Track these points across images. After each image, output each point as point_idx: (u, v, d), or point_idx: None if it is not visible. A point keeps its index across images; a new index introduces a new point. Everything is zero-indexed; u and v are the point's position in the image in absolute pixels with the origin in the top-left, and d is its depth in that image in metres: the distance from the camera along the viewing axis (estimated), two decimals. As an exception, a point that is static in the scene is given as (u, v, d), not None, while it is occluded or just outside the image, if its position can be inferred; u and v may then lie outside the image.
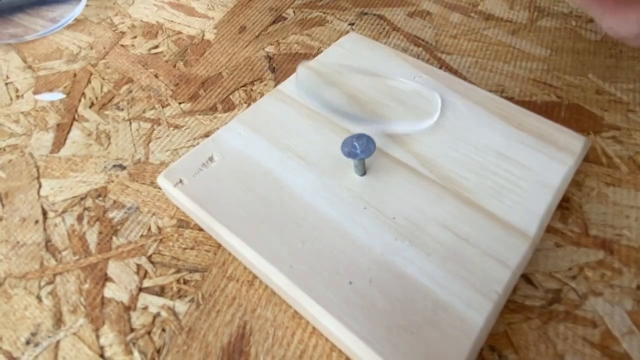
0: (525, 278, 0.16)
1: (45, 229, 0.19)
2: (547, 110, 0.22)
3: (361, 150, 0.16)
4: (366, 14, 0.29)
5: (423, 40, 0.27)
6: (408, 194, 0.17)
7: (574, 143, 0.18)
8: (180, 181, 0.17)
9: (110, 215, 0.19)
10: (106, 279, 0.17)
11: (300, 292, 0.14)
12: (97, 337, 0.16)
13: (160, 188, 0.20)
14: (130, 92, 0.24)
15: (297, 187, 0.17)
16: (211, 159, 0.18)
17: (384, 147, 0.18)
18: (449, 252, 0.15)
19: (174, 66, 0.26)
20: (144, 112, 0.23)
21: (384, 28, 0.28)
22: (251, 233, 0.16)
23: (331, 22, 0.28)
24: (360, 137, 0.17)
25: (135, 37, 0.28)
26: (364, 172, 0.17)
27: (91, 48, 0.27)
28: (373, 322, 0.13)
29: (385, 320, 0.13)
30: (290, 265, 0.15)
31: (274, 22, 0.29)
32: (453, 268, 0.14)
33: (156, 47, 0.27)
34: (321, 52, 0.26)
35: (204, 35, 0.28)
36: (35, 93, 0.25)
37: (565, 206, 0.18)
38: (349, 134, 0.19)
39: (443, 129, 0.19)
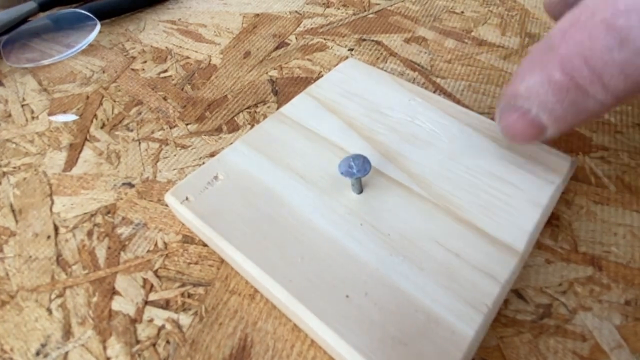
0: (517, 293, 0.17)
1: (56, 244, 0.20)
2: (537, 131, 0.23)
3: (357, 170, 0.17)
4: (365, 40, 0.30)
5: (419, 65, 0.28)
6: (402, 211, 0.17)
7: (561, 163, 0.19)
8: (187, 199, 0.18)
9: (119, 231, 0.20)
10: (114, 292, 0.18)
11: (299, 305, 0.15)
12: (104, 348, 0.16)
13: (167, 205, 0.21)
14: (140, 113, 0.26)
15: (297, 205, 0.18)
16: (216, 177, 0.19)
17: (380, 166, 0.19)
18: (441, 267, 0.16)
19: (182, 89, 0.27)
20: (152, 132, 0.24)
21: (381, 53, 0.29)
22: (253, 248, 0.17)
23: (331, 47, 0.30)
24: (356, 157, 0.18)
25: (145, 62, 0.30)
26: (360, 191, 0.18)
27: (103, 72, 0.29)
28: (368, 334, 0.14)
29: (379, 332, 0.14)
30: (290, 279, 0.16)
31: (277, 48, 0.30)
32: (445, 282, 0.15)
33: (165, 71, 0.29)
34: (322, 76, 0.28)
35: (210, 60, 0.29)
36: (49, 114, 0.26)
37: (555, 224, 0.19)
38: (346, 154, 0.20)
39: (437, 150, 0.20)
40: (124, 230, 0.20)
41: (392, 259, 0.16)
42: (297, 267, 0.16)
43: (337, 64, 0.28)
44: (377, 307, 0.15)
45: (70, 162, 0.23)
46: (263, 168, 0.19)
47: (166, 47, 0.31)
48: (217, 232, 0.17)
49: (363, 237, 0.17)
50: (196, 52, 0.30)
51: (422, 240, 0.16)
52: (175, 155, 0.23)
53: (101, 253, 0.19)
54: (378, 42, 0.30)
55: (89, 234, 0.20)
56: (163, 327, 0.17)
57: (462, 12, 0.32)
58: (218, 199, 0.18)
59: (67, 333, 0.17)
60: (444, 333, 0.14)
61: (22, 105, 0.27)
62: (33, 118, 0.26)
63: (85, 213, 0.21)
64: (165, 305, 0.17)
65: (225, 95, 0.27)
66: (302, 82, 0.27)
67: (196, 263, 0.19)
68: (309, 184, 0.19)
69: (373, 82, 0.23)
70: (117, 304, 0.18)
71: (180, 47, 0.31)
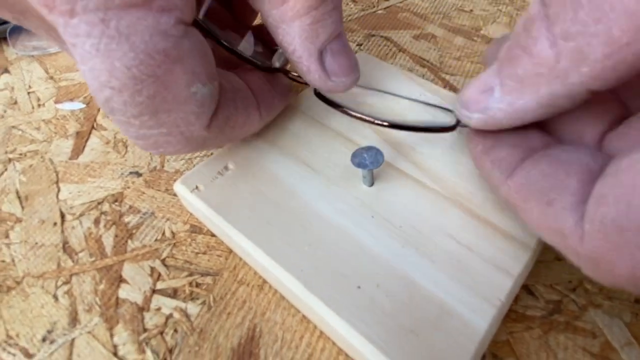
0: (527, 289, 0.17)
1: (63, 231, 0.19)
2: (547, 129, 0.23)
3: (370, 162, 0.17)
4: (373, 35, 0.30)
5: (428, 62, 0.28)
6: (414, 205, 0.17)
7: None
8: (197, 188, 0.18)
9: (126, 219, 0.20)
10: (121, 280, 0.18)
11: (310, 294, 0.15)
12: (111, 336, 0.16)
13: (174, 195, 0.21)
14: (148, 103, 0.26)
15: (308, 196, 0.18)
16: (226, 167, 0.19)
17: (392, 160, 0.19)
18: (453, 260, 0.15)
19: (190, 80, 0.27)
20: (160, 122, 0.24)
21: (390, 49, 0.29)
22: (263, 237, 0.16)
23: (340, 42, 0.30)
24: (369, 149, 0.17)
25: (153, 52, 0.29)
26: (371, 183, 0.18)
27: (111, 61, 0.29)
28: (380, 324, 0.14)
29: (391, 323, 0.14)
30: (300, 268, 0.15)
31: (285, 41, 0.30)
32: (457, 275, 0.15)
33: (173, 62, 0.29)
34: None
35: (218, 52, 0.29)
36: (56, 102, 0.26)
37: (565, 221, 0.19)
38: (356, 147, 0.20)
39: (448, 144, 0.19)
40: (131, 219, 0.20)
41: (404, 251, 0.16)
42: (307, 257, 0.16)
43: (346, 59, 0.28)
44: (389, 298, 0.15)
45: (77, 150, 0.23)
46: (274, 159, 0.19)
47: (174, 38, 0.30)
48: (227, 221, 0.17)
49: (374, 229, 0.17)
50: (204, 43, 0.30)
51: (435, 233, 0.16)
52: (183, 146, 0.23)
53: (108, 241, 0.19)
54: (387, 38, 0.30)
55: (96, 221, 0.20)
56: (171, 315, 0.17)
57: (472, 10, 0.32)
58: (228, 189, 0.18)
59: (74, 320, 0.17)
60: (457, 325, 0.14)
61: (28, 93, 0.27)
62: (39, 105, 0.26)
63: (92, 201, 0.21)
64: (173, 294, 0.17)
65: (234, 87, 0.26)
66: (310, 76, 0.27)
67: (204, 253, 0.19)
68: (320, 176, 0.18)
69: (383, 76, 0.23)
70: (124, 292, 0.17)
71: (188, 38, 0.30)
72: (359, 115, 0.17)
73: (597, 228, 0.11)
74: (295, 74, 0.19)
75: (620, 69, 0.11)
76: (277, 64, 0.19)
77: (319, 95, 0.18)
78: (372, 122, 0.17)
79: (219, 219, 0.17)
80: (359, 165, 0.17)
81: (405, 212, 0.17)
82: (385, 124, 0.17)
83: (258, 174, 0.19)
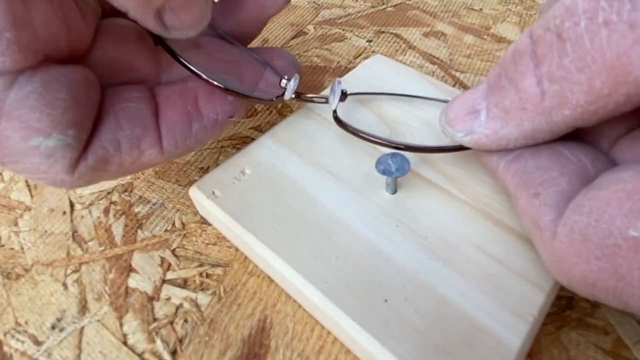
0: (538, 285, 0.17)
1: (72, 220, 0.19)
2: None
3: (396, 169, 0.16)
4: (383, 32, 0.30)
5: (438, 59, 0.28)
6: (440, 213, 0.17)
7: None
8: (213, 193, 0.17)
9: (136, 209, 0.20)
10: (130, 269, 0.18)
11: (335, 308, 0.14)
12: (121, 324, 0.16)
13: (184, 186, 0.21)
14: (157, 95, 0.25)
15: (329, 203, 0.17)
16: (243, 172, 0.18)
17: (415, 167, 0.18)
18: (483, 273, 0.15)
19: (199, 73, 0.27)
20: (169, 114, 0.24)
21: (400, 46, 0.29)
22: (285, 247, 0.16)
23: (350, 38, 0.30)
24: (395, 155, 0.17)
25: (162, 45, 0.29)
26: (394, 190, 0.17)
27: (120, 53, 0.29)
28: (410, 340, 0.13)
29: (422, 340, 0.13)
30: (324, 280, 0.15)
31: (295, 37, 0.30)
32: (488, 289, 0.14)
33: (182, 54, 0.28)
34: (340, 66, 0.27)
35: (228, 46, 0.29)
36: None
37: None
38: (378, 153, 0.19)
39: (472, 151, 0.19)
40: (141, 209, 0.20)
41: (432, 263, 0.15)
42: (331, 268, 0.15)
43: (355, 55, 0.28)
44: (418, 314, 0.14)
45: (86, 140, 0.23)
46: (292, 164, 0.18)
47: (183, 32, 0.30)
48: (247, 230, 0.16)
49: (400, 239, 0.16)
50: (213, 37, 0.30)
51: (462, 244, 0.16)
52: (192, 138, 0.23)
53: (118, 230, 0.19)
54: (397, 35, 0.30)
55: (106, 211, 0.20)
56: (181, 305, 0.17)
57: (481, 9, 0.32)
58: (246, 195, 0.17)
59: (83, 308, 0.17)
60: (490, 342, 0.13)
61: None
62: (48, 95, 0.26)
63: (101, 190, 0.21)
64: (183, 284, 0.17)
65: (243, 81, 0.26)
66: (320, 71, 0.27)
67: (214, 244, 0.18)
68: (341, 182, 0.18)
69: (403, 79, 0.22)
70: (133, 282, 0.17)
71: (198, 32, 0.30)
72: (374, 139, 0.17)
73: (566, 232, 0.11)
74: (310, 96, 0.19)
75: (602, 113, 0.11)
76: (288, 96, 0.19)
77: (338, 121, 0.18)
78: (388, 146, 0.17)
79: (238, 228, 0.16)
80: (384, 172, 0.16)
81: (430, 222, 0.16)
82: (401, 146, 0.17)
83: (276, 179, 0.18)
